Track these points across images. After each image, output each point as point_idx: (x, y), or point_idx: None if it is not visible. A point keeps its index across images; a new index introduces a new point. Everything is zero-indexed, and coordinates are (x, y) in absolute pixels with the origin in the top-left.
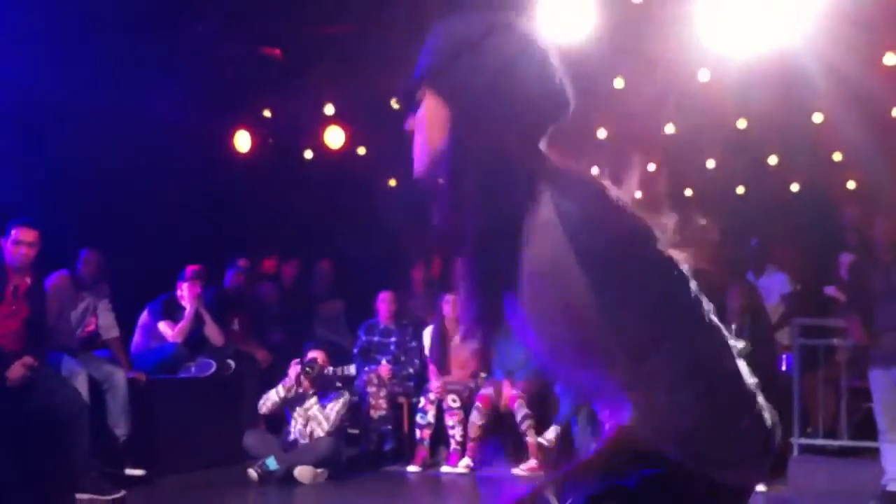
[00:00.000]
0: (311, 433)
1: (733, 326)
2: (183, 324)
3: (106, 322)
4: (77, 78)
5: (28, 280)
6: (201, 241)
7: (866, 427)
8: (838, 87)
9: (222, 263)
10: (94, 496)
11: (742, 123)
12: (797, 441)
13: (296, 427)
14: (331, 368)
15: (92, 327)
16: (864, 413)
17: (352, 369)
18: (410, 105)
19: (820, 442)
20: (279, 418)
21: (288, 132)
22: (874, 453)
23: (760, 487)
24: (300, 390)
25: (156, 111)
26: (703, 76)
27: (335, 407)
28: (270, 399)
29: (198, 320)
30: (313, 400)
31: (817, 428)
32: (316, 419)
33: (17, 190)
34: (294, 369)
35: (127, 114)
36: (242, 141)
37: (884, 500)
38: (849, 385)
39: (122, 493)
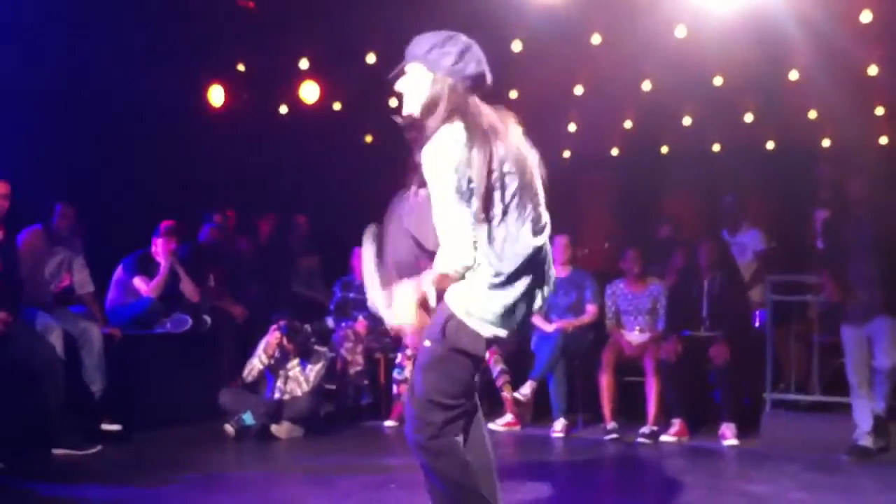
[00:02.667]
0: (291, 392)
1: (705, 282)
2: (157, 279)
3: (80, 277)
4: (49, 31)
5: (0, 234)
6: (176, 197)
7: (838, 383)
8: (815, 45)
9: (197, 219)
10: (70, 451)
11: (718, 80)
12: (769, 396)
13: (276, 386)
14: (308, 326)
15: (66, 282)
16: (835, 369)
17: (329, 322)
18: (399, 75)
19: (792, 397)
20: (258, 377)
21: (263, 87)
22: (845, 408)
23: (733, 441)
24: (281, 354)
25: (129, 64)
26: (680, 32)
27: (315, 368)
28: (255, 367)
29: (173, 276)
30: (295, 362)
31: (789, 383)
32: (296, 380)
33: None
34: (273, 335)
35: (101, 67)
36: (216, 95)
37: (854, 453)
38: (821, 341)
39: (98, 447)
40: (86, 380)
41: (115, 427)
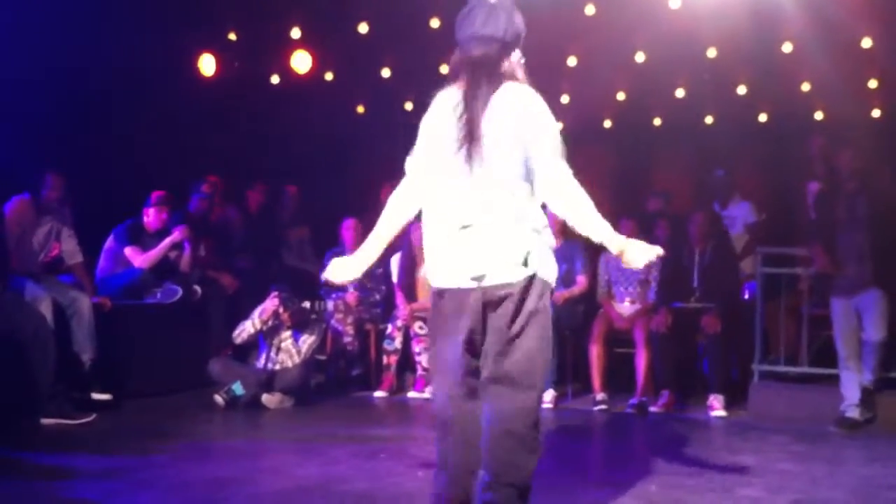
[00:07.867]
0: (282, 363)
1: (696, 254)
2: (154, 253)
3: (69, 247)
4: (36, 1)
5: None
6: (167, 167)
7: (826, 355)
8: (809, 17)
9: (187, 188)
10: (61, 420)
11: (712, 52)
12: (758, 367)
13: (267, 355)
14: (307, 303)
15: (56, 252)
16: (824, 341)
17: (329, 305)
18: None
19: (780, 369)
20: (248, 346)
21: (254, 56)
22: (833, 380)
23: (721, 413)
24: (276, 322)
25: (119, 34)
26: (674, 3)
27: (307, 341)
28: (246, 330)
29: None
30: (287, 333)
31: (778, 355)
32: (288, 352)
33: None
34: (272, 302)
35: (90, 36)
36: (207, 65)
37: (841, 425)
38: (810, 313)
39: (93, 416)
40: (76, 349)
41: (106, 396)
